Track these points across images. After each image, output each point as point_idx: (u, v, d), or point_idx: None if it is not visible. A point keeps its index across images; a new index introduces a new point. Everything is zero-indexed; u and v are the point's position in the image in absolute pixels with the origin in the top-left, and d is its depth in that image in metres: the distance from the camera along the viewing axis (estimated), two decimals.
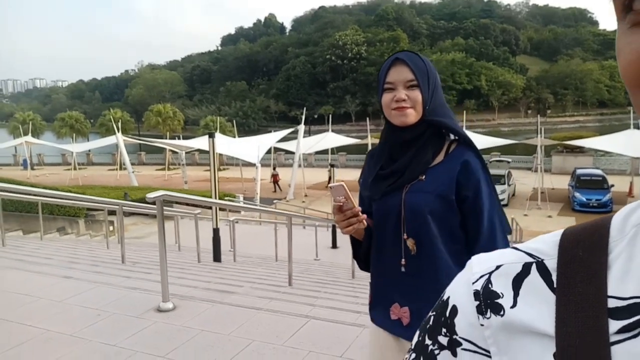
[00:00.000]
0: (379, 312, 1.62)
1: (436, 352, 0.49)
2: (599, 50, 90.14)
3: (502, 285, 0.46)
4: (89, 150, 40.79)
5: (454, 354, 0.48)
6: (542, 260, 0.46)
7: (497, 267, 0.48)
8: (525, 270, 0.46)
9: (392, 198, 1.53)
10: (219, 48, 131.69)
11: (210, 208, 10.25)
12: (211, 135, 8.92)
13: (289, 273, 5.34)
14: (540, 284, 0.45)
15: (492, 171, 22.82)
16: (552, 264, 0.45)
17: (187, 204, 15.74)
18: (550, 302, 0.43)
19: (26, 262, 5.49)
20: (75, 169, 32.70)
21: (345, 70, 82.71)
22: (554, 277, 0.44)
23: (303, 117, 25.52)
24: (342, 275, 7.54)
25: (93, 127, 59.20)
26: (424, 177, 1.50)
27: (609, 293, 0.41)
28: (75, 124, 51.57)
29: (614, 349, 0.39)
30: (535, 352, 0.43)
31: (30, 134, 40.60)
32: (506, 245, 1.45)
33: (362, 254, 1.71)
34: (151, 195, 3.73)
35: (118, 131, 28.28)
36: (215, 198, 8.52)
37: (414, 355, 0.52)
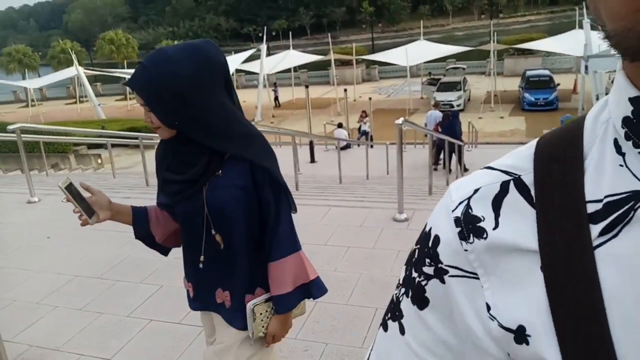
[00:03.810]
0: (204, 297, 1.62)
1: (423, 283, 0.49)
2: None
3: (482, 209, 0.46)
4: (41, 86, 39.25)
5: (442, 282, 0.48)
6: (519, 176, 0.45)
7: (475, 191, 0.47)
8: (504, 189, 0.46)
9: (194, 201, 1.50)
10: None
11: None
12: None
13: (296, 182, 6.79)
14: (519, 201, 0.44)
15: (449, 79, 23.93)
16: (529, 178, 0.45)
17: None
18: (531, 218, 0.43)
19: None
20: (30, 105, 31.81)
21: None
22: (533, 192, 0.44)
23: (264, 36, 25.48)
24: (330, 182, 8.87)
25: (42, 60, 56.47)
26: (220, 171, 1.47)
27: (586, 198, 0.41)
28: (24, 58, 49.04)
29: (598, 252, 0.39)
30: (522, 269, 0.43)
31: None
32: (295, 238, 1.57)
33: (141, 237, 1.68)
34: None
35: (77, 63, 27.54)
36: None
37: (403, 290, 0.53)
